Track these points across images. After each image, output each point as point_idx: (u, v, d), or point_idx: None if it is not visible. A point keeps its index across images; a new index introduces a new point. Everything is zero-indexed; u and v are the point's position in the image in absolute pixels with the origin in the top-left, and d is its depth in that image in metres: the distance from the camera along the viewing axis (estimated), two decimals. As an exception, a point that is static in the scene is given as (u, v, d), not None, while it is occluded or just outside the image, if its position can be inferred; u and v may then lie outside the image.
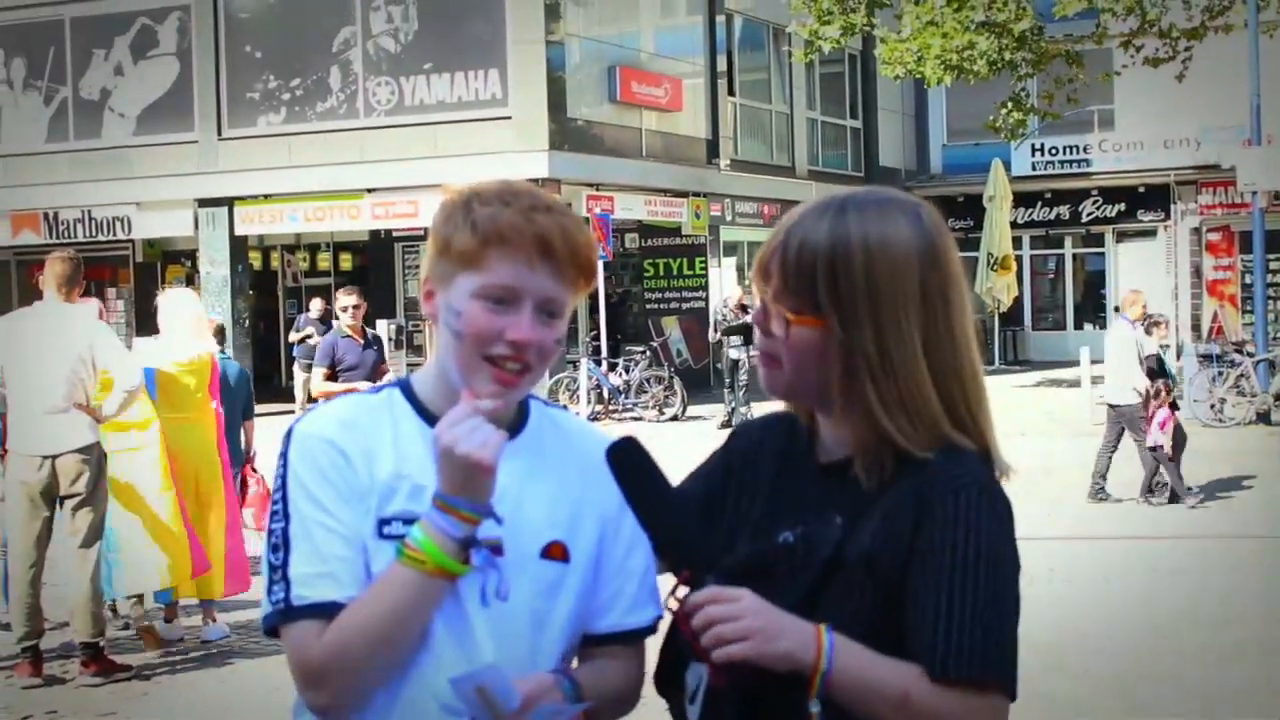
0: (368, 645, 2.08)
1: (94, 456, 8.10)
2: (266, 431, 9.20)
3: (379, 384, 2.26)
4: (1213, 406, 20.01)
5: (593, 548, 2.26)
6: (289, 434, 2.21)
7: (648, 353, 25.17)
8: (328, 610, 2.09)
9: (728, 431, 2.34)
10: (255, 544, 8.58)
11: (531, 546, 2.21)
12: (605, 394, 23.33)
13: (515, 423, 2.26)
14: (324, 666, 2.09)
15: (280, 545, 2.14)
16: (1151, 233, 33.98)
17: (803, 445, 2.25)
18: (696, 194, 26.96)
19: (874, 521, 2.08)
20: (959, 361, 2.11)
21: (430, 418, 2.20)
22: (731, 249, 28.92)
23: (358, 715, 2.14)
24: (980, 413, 2.13)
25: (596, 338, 24.22)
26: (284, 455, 2.18)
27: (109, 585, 8.65)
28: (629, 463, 2.12)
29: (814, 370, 2.11)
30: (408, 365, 25.36)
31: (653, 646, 2.30)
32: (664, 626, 2.31)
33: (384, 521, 2.15)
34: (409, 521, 2.12)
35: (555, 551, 2.23)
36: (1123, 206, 33.97)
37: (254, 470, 10.19)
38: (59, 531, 8.24)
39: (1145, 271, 33.65)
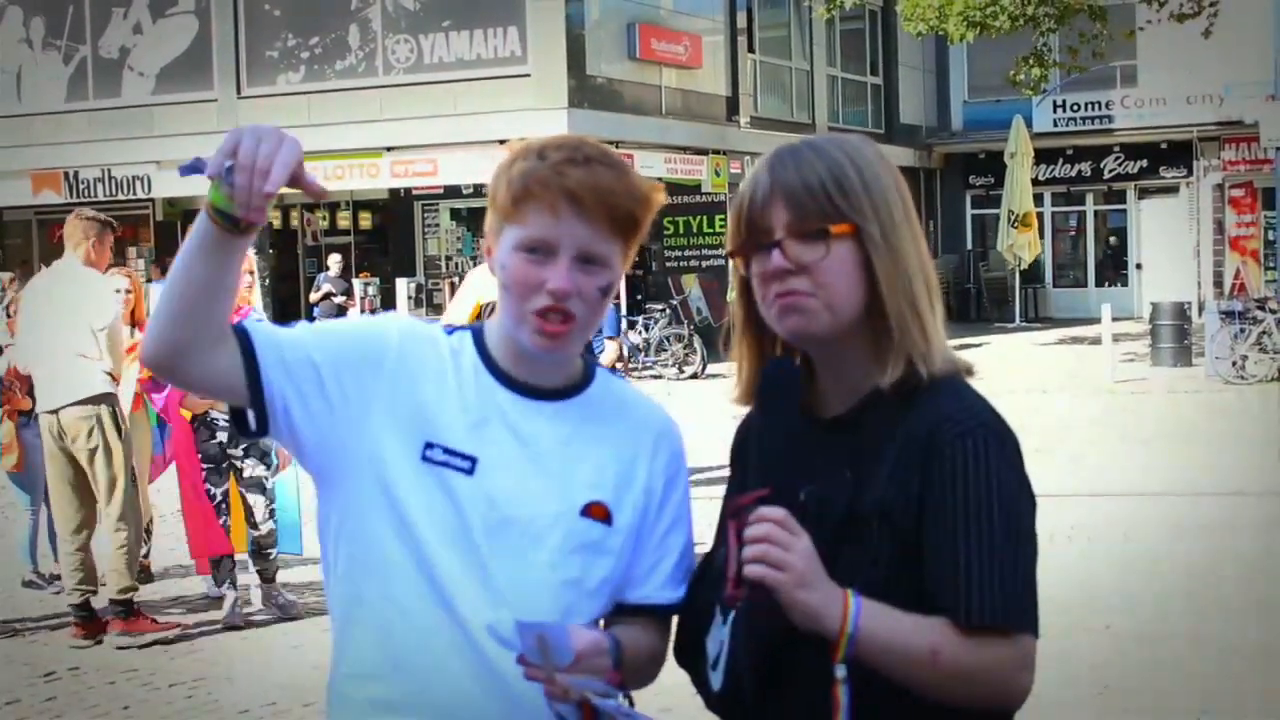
0: (166, 296, 2.13)
1: (100, 410, 8.01)
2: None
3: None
4: (1234, 363, 19.92)
5: (635, 516, 2.30)
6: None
7: (667, 311, 25.15)
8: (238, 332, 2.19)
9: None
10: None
11: (570, 503, 2.26)
12: (625, 352, 23.32)
13: (579, 384, 2.35)
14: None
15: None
16: (1174, 189, 33.79)
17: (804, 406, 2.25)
18: (716, 151, 26.86)
19: (884, 472, 2.09)
20: (927, 257, 2.21)
21: (493, 366, 2.31)
22: (751, 207, 28.74)
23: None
24: (938, 315, 2.20)
25: (616, 296, 24.13)
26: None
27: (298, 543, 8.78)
28: (778, 379, 2.15)
29: (856, 283, 2.13)
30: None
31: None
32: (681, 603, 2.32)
33: (429, 445, 2.23)
34: (449, 451, 2.22)
35: (596, 511, 2.28)
36: (1145, 163, 33.78)
37: None
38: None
39: (1167, 228, 33.53)
